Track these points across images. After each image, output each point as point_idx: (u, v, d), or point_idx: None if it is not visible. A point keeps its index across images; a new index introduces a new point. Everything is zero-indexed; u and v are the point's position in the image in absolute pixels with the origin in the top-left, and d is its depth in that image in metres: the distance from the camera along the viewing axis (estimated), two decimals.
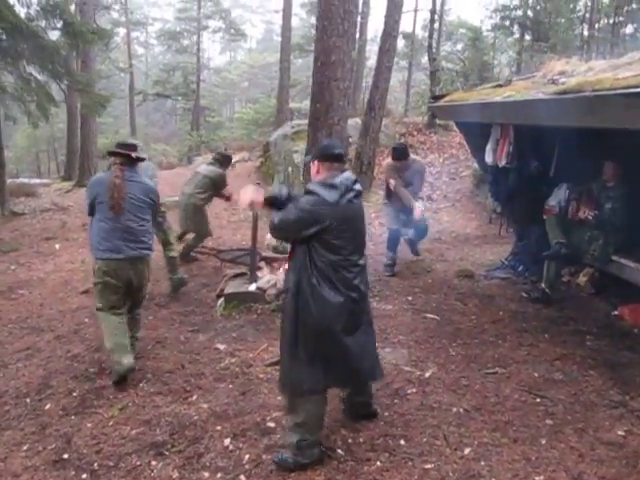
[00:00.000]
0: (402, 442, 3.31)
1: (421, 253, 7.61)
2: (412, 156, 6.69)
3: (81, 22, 12.35)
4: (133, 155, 4.24)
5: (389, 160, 6.72)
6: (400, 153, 6.43)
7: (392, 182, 6.46)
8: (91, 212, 4.26)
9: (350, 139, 9.26)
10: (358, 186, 3.01)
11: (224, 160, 7.06)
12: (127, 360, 4.05)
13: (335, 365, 3.00)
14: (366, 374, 3.19)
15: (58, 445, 3.43)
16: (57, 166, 30.14)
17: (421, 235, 7.02)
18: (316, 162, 3.07)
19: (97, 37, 12.25)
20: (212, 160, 7.15)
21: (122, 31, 31.34)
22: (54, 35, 12.49)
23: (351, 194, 2.93)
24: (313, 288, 2.88)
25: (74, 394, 4.06)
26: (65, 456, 3.32)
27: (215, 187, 6.97)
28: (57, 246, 9.27)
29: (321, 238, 2.85)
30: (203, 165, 7.08)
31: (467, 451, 3.22)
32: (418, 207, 6.34)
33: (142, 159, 4.48)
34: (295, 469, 3.04)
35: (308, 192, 2.88)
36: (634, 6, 22.35)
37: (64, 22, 11.35)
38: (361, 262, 3.03)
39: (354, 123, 12.83)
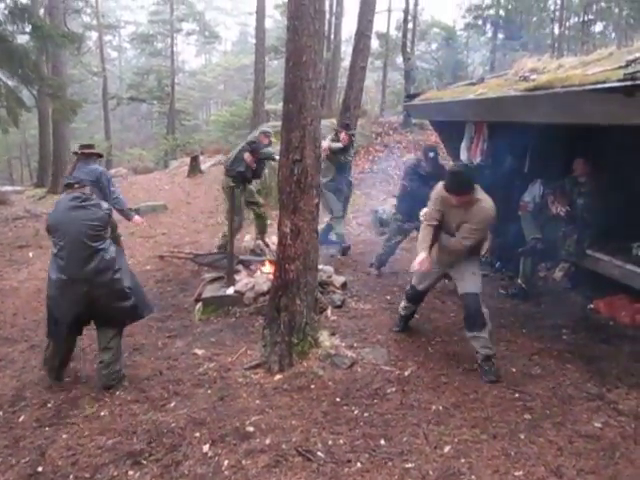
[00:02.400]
0: (382, 442, 3.31)
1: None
2: (480, 195, 4.02)
3: (50, 26, 12.17)
4: (86, 151, 6.37)
5: (441, 189, 4.14)
6: (457, 183, 3.99)
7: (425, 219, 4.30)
8: None
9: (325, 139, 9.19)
10: (75, 202, 4.15)
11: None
12: None
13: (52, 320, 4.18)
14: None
15: (32, 458, 3.36)
16: (30, 173, 29.56)
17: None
18: None
19: (67, 41, 12.06)
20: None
21: (94, 35, 30.94)
22: (23, 39, 12.28)
23: (62, 207, 4.18)
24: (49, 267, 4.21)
25: (49, 405, 3.98)
26: (40, 469, 3.25)
27: None
28: (31, 254, 9.10)
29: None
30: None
31: (447, 449, 3.22)
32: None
33: (94, 154, 6.48)
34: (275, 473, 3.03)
35: None
36: (603, 4, 22.76)
37: (33, 26, 11.16)
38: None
39: (330, 124, 12.83)
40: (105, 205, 4.37)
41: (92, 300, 4.03)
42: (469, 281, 4.23)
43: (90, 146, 6.58)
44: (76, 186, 4.34)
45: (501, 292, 5.96)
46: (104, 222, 4.23)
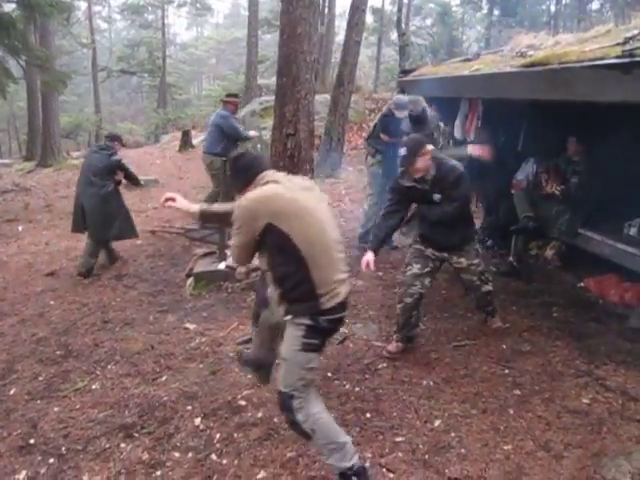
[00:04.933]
0: (373, 416, 3.34)
1: None
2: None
3: None
4: (224, 99, 7.89)
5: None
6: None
7: None
8: None
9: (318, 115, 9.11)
10: (96, 148, 6.47)
11: None
12: None
13: None
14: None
15: (24, 430, 3.37)
16: (19, 146, 29.19)
17: None
18: None
19: (56, 10, 11.74)
20: None
21: (83, 5, 30.29)
22: (9, 8, 11.98)
23: (90, 150, 6.89)
24: None
25: (40, 378, 3.99)
26: (31, 441, 3.27)
27: None
28: (20, 228, 9.03)
29: None
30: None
31: (437, 423, 3.26)
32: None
33: (226, 101, 7.71)
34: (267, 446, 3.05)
35: None
36: None
37: None
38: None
39: (323, 99, 12.69)
40: (117, 157, 6.18)
41: (85, 215, 6.12)
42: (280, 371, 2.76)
43: (231, 95, 8.12)
44: (106, 138, 6.53)
45: (492, 270, 5.97)
46: (107, 167, 6.10)
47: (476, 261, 4.06)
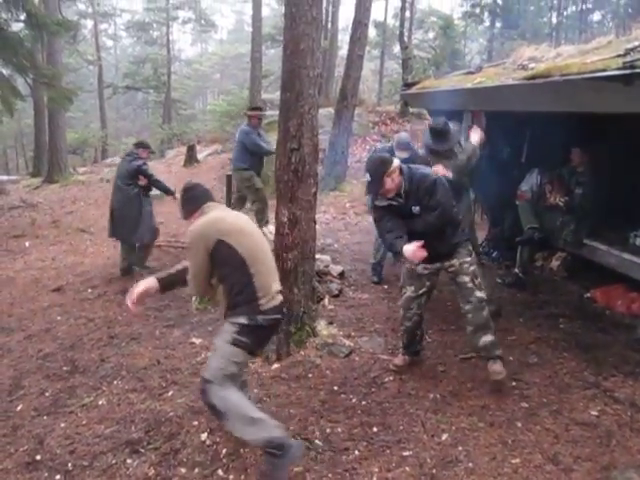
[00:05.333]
0: (380, 430, 3.32)
1: None
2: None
3: (45, 13, 12.01)
4: (247, 113, 7.72)
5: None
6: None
7: None
8: None
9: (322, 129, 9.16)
10: (124, 156, 6.82)
11: None
12: None
13: None
14: None
15: (30, 446, 3.36)
16: (26, 162, 29.37)
17: None
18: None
19: (62, 29, 11.91)
20: None
21: (89, 23, 30.62)
22: (17, 27, 12.16)
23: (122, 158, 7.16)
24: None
25: (46, 394, 3.98)
26: (38, 457, 3.26)
27: None
28: (27, 244, 9.08)
29: None
30: None
31: (444, 437, 3.24)
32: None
33: (249, 115, 7.55)
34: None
35: None
36: None
37: (27, 13, 11.00)
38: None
39: (327, 113, 12.78)
40: (137, 162, 6.46)
41: (113, 217, 6.56)
42: (210, 357, 3.19)
43: (254, 109, 8.04)
44: (133, 145, 6.86)
45: (498, 281, 5.96)
46: (130, 172, 6.45)
47: (468, 259, 3.84)
